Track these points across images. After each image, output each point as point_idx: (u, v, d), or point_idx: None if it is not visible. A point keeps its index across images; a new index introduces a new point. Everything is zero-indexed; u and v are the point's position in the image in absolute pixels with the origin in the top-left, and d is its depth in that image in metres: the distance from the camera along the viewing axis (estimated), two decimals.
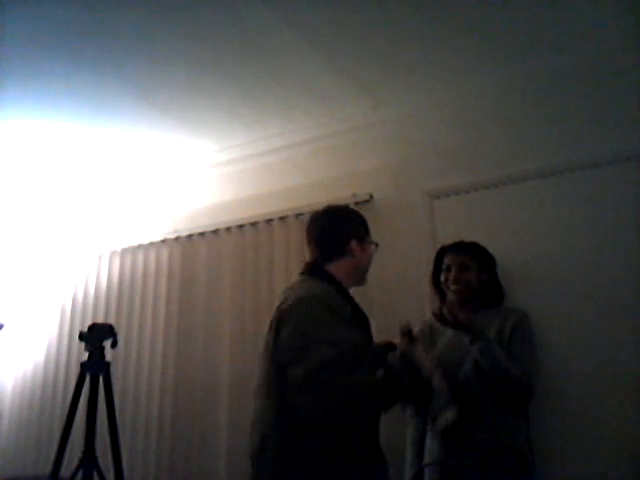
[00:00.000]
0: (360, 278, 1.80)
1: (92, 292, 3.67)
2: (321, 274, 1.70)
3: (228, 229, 3.23)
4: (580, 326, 2.23)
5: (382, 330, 1.98)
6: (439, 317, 1.95)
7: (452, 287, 2.17)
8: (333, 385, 1.41)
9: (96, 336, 2.50)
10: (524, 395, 1.99)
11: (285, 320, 1.55)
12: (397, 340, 1.76)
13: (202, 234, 3.33)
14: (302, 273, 1.76)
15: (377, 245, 1.85)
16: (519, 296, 2.27)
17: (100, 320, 3.41)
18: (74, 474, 2.31)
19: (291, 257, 2.92)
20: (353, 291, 1.78)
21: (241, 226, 3.19)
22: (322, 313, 1.53)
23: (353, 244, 1.73)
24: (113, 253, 3.68)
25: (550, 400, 2.20)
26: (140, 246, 3.56)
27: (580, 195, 2.35)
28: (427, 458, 2.08)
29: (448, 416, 1.83)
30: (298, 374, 1.44)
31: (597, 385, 2.15)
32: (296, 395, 1.45)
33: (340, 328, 1.53)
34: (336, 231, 1.75)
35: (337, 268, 1.72)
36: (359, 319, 1.67)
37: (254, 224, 3.13)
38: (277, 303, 1.67)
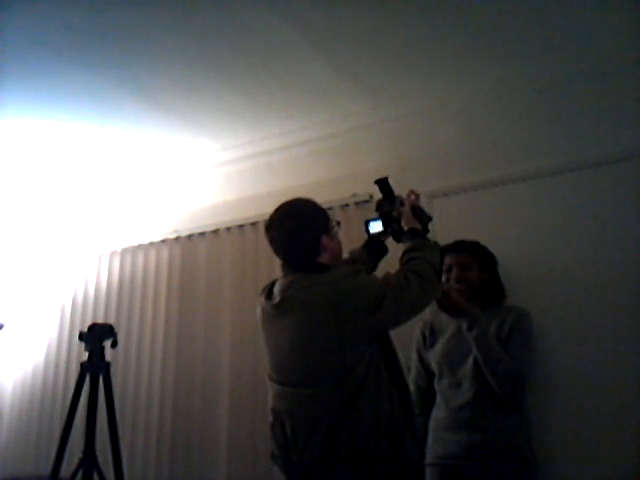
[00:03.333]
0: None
1: (92, 292, 3.68)
2: (316, 267, 1.68)
3: (228, 229, 3.23)
4: (580, 325, 2.23)
5: None
6: (437, 303, 1.95)
7: (454, 286, 2.17)
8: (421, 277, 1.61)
9: (96, 336, 2.50)
10: (515, 389, 1.97)
11: (342, 302, 1.55)
12: None
13: (202, 234, 3.33)
14: (292, 272, 1.70)
15: (339, 223, 1.83)
16: (519, 295, 2.27)
17: (100, 320, 3.40)
18: (74, 474, 2.30)
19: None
20: None
21: (241, 226, 3.19)
22: (366, 277, 1.69)
23: (324, 240, 1.69)
24: (113, 253, 3.68)
25: (551, 400, 2.20)
26: (140, 246, 3.56)
27: (580, 195, 2.35)
28: (429, 458, 2.08)
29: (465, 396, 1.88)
30: (389, 305, 1.56)
31: (598, 385, 2.16)
32: (412, 293, 1.58)
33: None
34: (306, 235, 1.69)
35: None
36: None
37: (254, 224, 3.13)
38: (277, 300, 1.66)
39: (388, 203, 1.88)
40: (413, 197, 1.86)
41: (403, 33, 2.27)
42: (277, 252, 1.75)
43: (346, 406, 1.52)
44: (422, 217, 1.82)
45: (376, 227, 1.95)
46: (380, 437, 1.52)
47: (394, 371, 1.63)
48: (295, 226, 1.69)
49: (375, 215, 1.96)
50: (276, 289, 1.71)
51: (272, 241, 1.75)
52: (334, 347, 1.54)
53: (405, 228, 1.79)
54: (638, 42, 2.27)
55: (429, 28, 2.25)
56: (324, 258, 1.70)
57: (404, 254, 1.71)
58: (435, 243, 1.81)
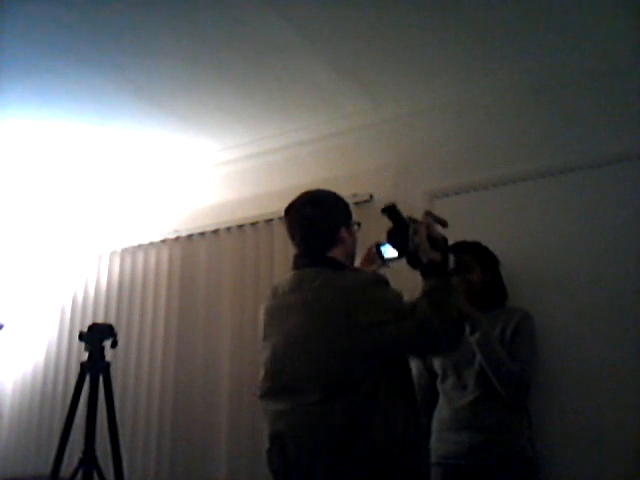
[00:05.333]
0: (351, 264, 1.72)
1: (92, 292, 3.67)
2: (330, 263, 1.60)
3: (228, 229, 3.23)
4: (581, 325, 2.23)
5: None
6: None
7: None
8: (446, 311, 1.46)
9: (96, 336, 2.50)
10: (520, 391, 1.99)
11: (358, 311, 1.45)
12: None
13: (202, 234, 3.33)
14: (304, 266, 1.63)
15: (359, 225, 1.75)
16: (519, 296, 2.27)
17: (100, 320, 3.41)
18: (74, 474, 2.30)
19: (291, 257, 2.91)
20: None
21: (241, 226, 3.18)
22: (387, 289, 1.55)
23: (342, 232, 1.64)
24: (113, 253, 3.68)
25: (552, 400, 2.20)
26: (140, 246, 3.56)
27: (580, 195, 2.35)
28: (431, 458, 2.08)
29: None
30: (410, 325, 1.44)
31: (598, 385, 2.16)
32: (426, 330, 1.43)
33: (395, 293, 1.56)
34: (325, 222, 1.63)
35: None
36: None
37: (254, 224, 3.13)
38: (284, 298, 1.60)
39: (400, 235, 1.67)
40: (428, 222, 1.64)
41: (403, 33, 2.27)
42: (293, 237, 1.67)
43: (354, 423, 1.41)
44: (440, 246, 1.62)
45: (390, 252, 1.78)
46: (394, 456, 1.42)
47: (406, 388, 1.53)
48: (315, 211, 1.65)
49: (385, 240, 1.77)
50: (284, 286, 1.65)
51: (290, 225, 1.68)
52: (342, 356, 1.45)
53: (424, 259, 1.60)
54: (638, 42, 2.27)
55: (429, 28, 2.25)
56: (338, 252, 1.62)
57: (428, 293, 1.52)
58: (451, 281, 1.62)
